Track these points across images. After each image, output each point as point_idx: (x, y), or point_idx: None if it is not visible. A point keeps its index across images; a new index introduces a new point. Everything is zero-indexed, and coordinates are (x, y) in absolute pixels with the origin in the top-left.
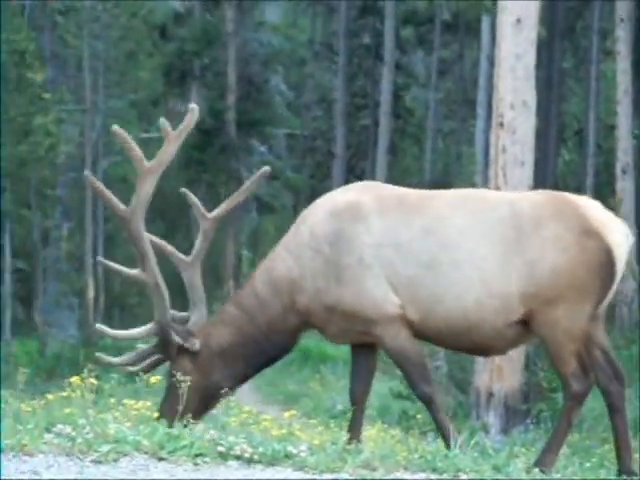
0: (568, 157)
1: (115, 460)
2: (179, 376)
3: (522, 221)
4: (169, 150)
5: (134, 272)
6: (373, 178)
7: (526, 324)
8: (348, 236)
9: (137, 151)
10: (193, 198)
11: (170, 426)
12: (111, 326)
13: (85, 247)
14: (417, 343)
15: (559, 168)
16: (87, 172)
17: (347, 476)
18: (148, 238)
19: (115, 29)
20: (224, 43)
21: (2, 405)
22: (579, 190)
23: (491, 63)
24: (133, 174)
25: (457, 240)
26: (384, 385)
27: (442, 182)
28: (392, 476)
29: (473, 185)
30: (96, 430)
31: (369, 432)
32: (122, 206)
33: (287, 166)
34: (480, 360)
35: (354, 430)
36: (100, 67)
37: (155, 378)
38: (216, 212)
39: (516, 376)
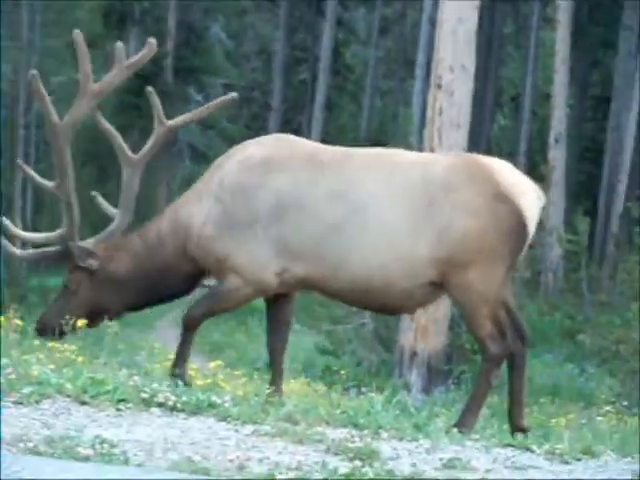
0: (503, 122)
1: (37, 402)
2: (71, 286)
3: (434, 186)
4: (116, 77)
5: (50, 184)
6: (309, 133)
7: (436, 285)
8: (252, 191)
9: (88, 68)
10: (155, 99)
11: (50, 332)
12: (36, 269)
13: (15, 187)
14: (232, 309)
15: (494, 133)
16: (33, 72)
17: (269, 428)
18: (69, 156)
19: None
20: None
21: None
22: (512, 155)
23: (433, 25)
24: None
25: (366, 203)
26: (309, 340)
27: (377, 141)
28: (314, 430)
29: (408, 146)
30: (19, 371)
31: (292, 386)
32: (56, 118)
33: (223, 116)
34: (406, 319)
35: (276, 383)
36: (38, 5)
37: (81, 322)
38: (175, 121)
39: (440, 337)
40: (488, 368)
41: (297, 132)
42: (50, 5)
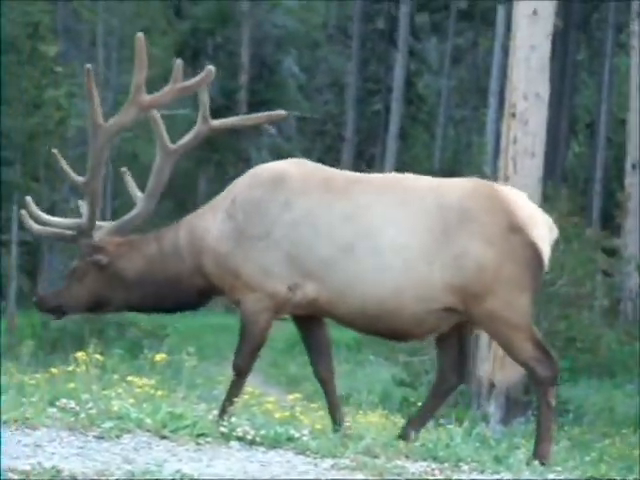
0: (578, 150)
1: (117, 436)
2: (78, 272)
3: (449, 212)
4: (167, 95)
5: (80, 179)
6: (382, 163)
7: (451, 312)
8: (265, 207)
9: (142, 78)
10: (204, 98)
11: (47, 308)
12: None
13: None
14: (269, 327)
15: (569, 160)
16: (88, 66)
17: (348, 462)
18: (105, 158)
19: (130, 5)
20: (238, 23)
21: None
22: (587, 182)
23: (505, 53)
24: (144, 150)
25: (378, 226)
26: (386, 371)
27: (451, 170)
28: (393, 463)
29: (482, 174)
30: (100, 406)
31: (370, 418)
32: (101, 119)
33: (297, 149)
34: (483, 350)
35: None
36: (114, 43)
37: (160, 356)
38: (218, 122)
39: (518, 368)
40: (543, 391)
41: (370, 163)
42: (126, 43)
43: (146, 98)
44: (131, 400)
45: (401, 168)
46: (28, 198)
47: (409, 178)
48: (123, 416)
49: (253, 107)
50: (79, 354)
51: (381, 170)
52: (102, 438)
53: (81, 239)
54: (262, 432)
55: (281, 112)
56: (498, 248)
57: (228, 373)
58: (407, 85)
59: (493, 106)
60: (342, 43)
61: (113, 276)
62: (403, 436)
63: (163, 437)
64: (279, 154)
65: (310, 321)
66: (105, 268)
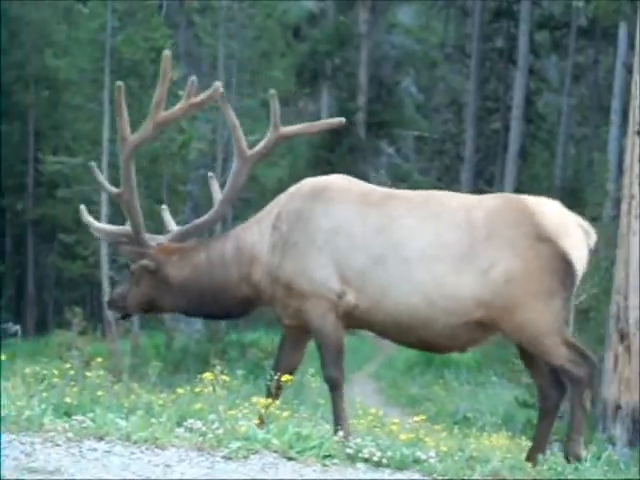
0: None
1: (245, 457)
2: (135, 276)
3: (477, 227)
4: (180, 111)
5: (115, 191)
6: (502, 183)
7: (485, 327)
8: (306, 216)
9: (162, 96)
10: (275, 106)
11: (114, 307)
12: (235, 326)
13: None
14: (340, 330)
15: None
16: (119, 83)
17: None
18: (133, 168)
19: (250, 29)
20: (356, 44)
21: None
22: None
23: (628, 70)
24: (263, 173)
25: (408, 239)
26: (508, 393)
27: (572, 189)
28: None
29: (605, 193)
30: (226, 426)
31: (494, 440)
32: (129, 133)
33: (415, 169)
34: (609, 372)
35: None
36: (234, 66)
37: (286, 377)
38: (288, 129)
39: None
40: (578, 391)
41: (490, 182)
42: (245, 66)
43: (161, 114)
44: (257, 421)
45: (520, 188)
46: (82, 206)
47: (443, 195)
48: (250, 437)
49: (371, 128)
50: (206, 375)
51: (501, 189)
52: (230, 459)
53: (124, 248)
54: (388, 454)
55: (341, 119)
56: (526, 259)
57: (350, 394)
58: (527, 103)
59: (615, 124)
60: (460, 62)
61: (161, 280)
62: (529, 458)
63: (290, 458)
64: (397, 174)
65: (295, 342)
66: (155, 273)
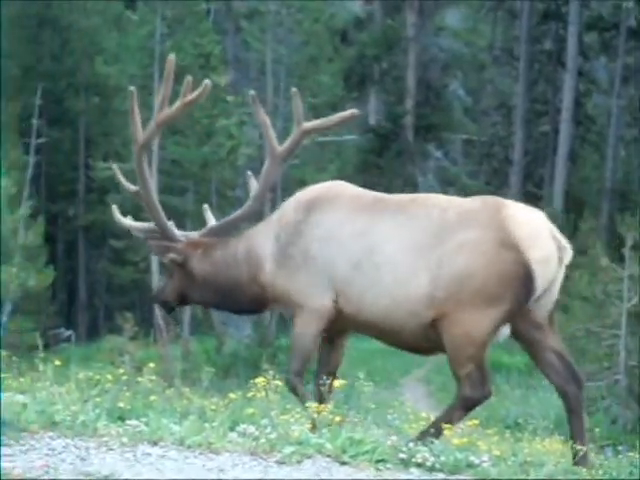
0: None
1: (298, 462)
2: (167, 270)
3: (445, 227)
4: (177, 110)
5: (133, 188)
6: (551, 186)
7: None
8: (301, 229)
9: (165, 97)
10: (298, 103)
11: (157, 301)
12: (285, 330)
13: None
14: (316, 344)
15: None
16: (131, 88)
17: None
18: (147, 167)
19: (298, 34)
20: (404, 48)
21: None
22: None
23: None
24: (312, 177)
25: (380, 244)
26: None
27: (622, 191)
28: None
29: None
30: (279, 431)
31: (547, 445)
32: (141, 135)
33: (463, 172)
34: None
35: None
36: (282, 71)
37: (337, 382)
38: (310, 124)
39: None
40: (457, 407)
41: (539, 185)
42: (293, 71)
43: (162, 115)
44: (309, 425)
45: (570, 190)
46: (114, 206)
47: (429, 197)
48: (303, 441)
49: (419, 131)
50: (259, 380)
51: (550, 192)
52: (283, 463)
53: (150, 242)
54: (441, 458)
55: (354, 110)
56: (484, 261)
57: (398, 397)
58: (576, 105)
59: None
60: (509, 64)
61: (188, 274)
62: (577, 462)
63: (343, 463)
64: (445, 177)
65: (333, 344)
66: (182, 266)
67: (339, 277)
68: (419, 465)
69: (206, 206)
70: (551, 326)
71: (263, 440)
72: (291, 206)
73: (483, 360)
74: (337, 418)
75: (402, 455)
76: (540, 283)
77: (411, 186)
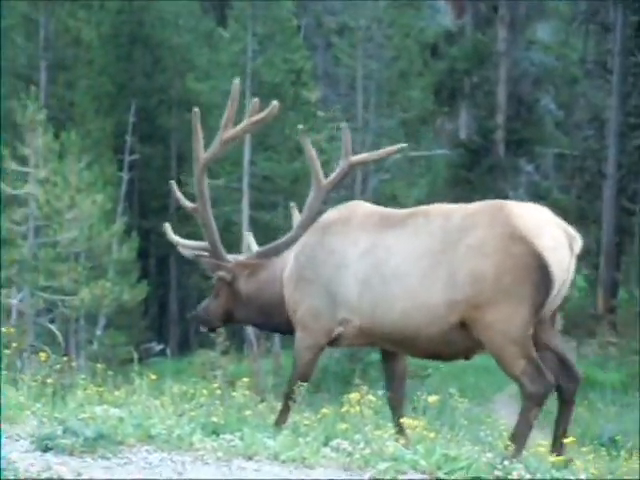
0: None
1: (393, 478)
2: (215, 289)
3: (450, 232)
4: (244, 129)
5: (191, 206)
6: None
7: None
8: (316, 253)
9: (229, 118)
10: (347, 138)
11: (200, 321)
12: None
13: None
14: (313, 365)
15: None
16: (195, 110)
17: None
18: (207, 185)
19: (388, 49)
20: (495, 62)
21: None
22: None
23: None
24: (402, 192)
25: (386, 258)
26: None
27: None
28: None
29: None
30: (373, 447)
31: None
32: (202, 153)
33: (555, 186)
34: None
35: (400, 433)
36: (372, 86)
37: (432, 399)
38: (356, 157)
39: None
40: (527, 407)
41: (634, 200)
42: (383, 86)
43: (227, 133)
44: (402, 441)
45: None
46: (166, 224)
47: (435, 207)
48: (398, 457)
49: (510, 146)
50: (352, 395)
51: None
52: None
53: (203, 259)
54: (537, 476)
55: (403, 145)
56: (495, 259)
57: (490, 413)
58: None
59: None
60: (601, 78)
61: (235, 293)
62: (555, 447)
63: (438, 479)
64: (537, 192)
65: (391, 353)
66: (230, 285)
67: (350, 298)
68: None
69: (247, 233)
70: (552, 323)
71: (357, 456)
72: (313, 229)
73: (531, 354)
74: (431, 434)
75: (497, 472)
76: (555, 271)
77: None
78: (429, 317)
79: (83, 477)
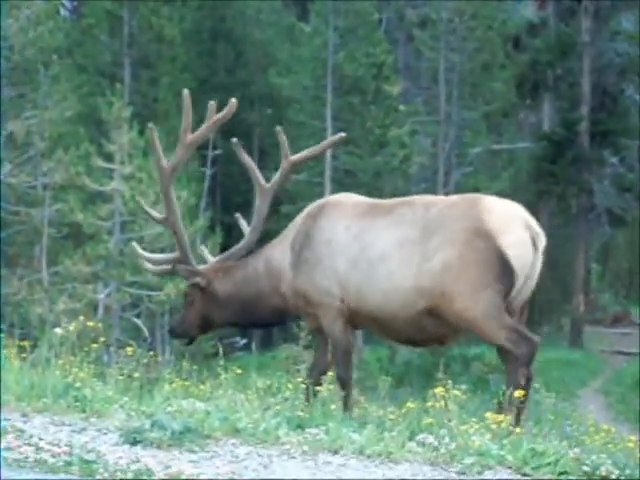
0: None
1: (479, 473)
2: (188, 298)
3: (428, 222)
4: (206, 130)
5: (158, 216)
6: None
7: (439, 316)
8: (311, 234)
9: (188, 122)
10: (282, 138)
11: (176, 334)
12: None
13: None
14: (349, 333)
15: None
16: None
17: None
18: (174, 193)
19: (471, 41)
20: (579, 53)
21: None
22: None
23: None
24: (485, 185)
25: (372, 242)
26: None
27: None
28: None
29: None
30: (459, 441)
31: None
32: (165, 162)
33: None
34: None
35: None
36: (454, 79)
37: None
38: (296, 156)
39: None
40: (518, 368)
41: None
42: (466, 78)
43: (189, 137)
44: (488, 436)
45: None
46: (133, 243)
47: (417, 198)
48: (484, 452)
49: (595, 137)
50: (438, 389)
51: None
52: (463, 474)
53: (179, 267)
54: (627, 472)
55: (341, 134)
56: (462, 251)
57: (578, 410)
58: None
59: None
60: None
61: (211, 296)
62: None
63: (525, 474)
64: (622, 184)
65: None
66: (205, 290)
67: (340, 276)
68: (603, 479)
69: (202, 247)
70: (521, 316)
71: (443, 450)
72: (300, 218)
73: (509, 323)
74: (517, 429)
75: (585, 468)
76: (517, 265)
77: (586, 193)
78: (402, 301)
79: (171, 470)
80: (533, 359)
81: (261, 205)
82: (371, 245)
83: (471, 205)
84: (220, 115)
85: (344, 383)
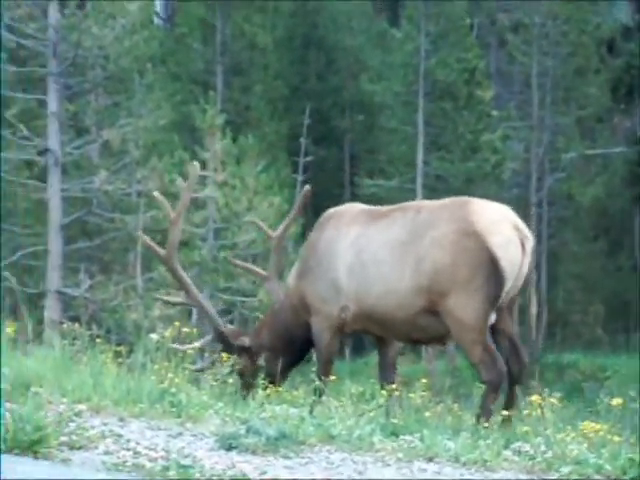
0: None
1: None
2: (239, 367)
3: (419, 225)
4: (184, 200)
5: (178, 299)
6: None
7: (437, 313)
8: (316, 245)
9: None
10: (259, 223)
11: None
12: (553, 344)
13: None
14: (333, 346)
15: None
16: (140, 234)
17: None
18: (183, 271)
19: (564, 45)
20: None
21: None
22: None
23: None
24: (579, 191)
25: (366, 246)
26: None
27: None
28: None
29: None
30: (555, 450)
31: None
32: (161, 251)
33: None
34: None
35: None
36: (547, 84)
37: (616, 401)
38: (278, 231)
39: None
40: (486, 394)
41: None
42: (559, 83)
43: (173, 215)
44: (585, 444)
45: None
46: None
47: (412, 203)
48: (582, 461)
49: None
50: (534, 397)
51: None
52: None
53: (222, 334)
54: None
55: (307, 187)
56: (452, 252)
57: None
58: None
59: None
60: None
61: (258, 350)
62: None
63: None
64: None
65: (382, 341)
66: (252, 348)
67: (340, 282)
68: None
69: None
70: (509, 311)
71: (539, 459)
72: (314, 228)
73: (487, 342)
74: (616, 438)
75: None
76: (506, 265)
77: None
78: (399, 301)
79: (267, 476)
80: (499, 387)
81: (272, 288)
82: (364, 249)
83: (460, 207)
84: (189, 184)
85: (320, 379)
